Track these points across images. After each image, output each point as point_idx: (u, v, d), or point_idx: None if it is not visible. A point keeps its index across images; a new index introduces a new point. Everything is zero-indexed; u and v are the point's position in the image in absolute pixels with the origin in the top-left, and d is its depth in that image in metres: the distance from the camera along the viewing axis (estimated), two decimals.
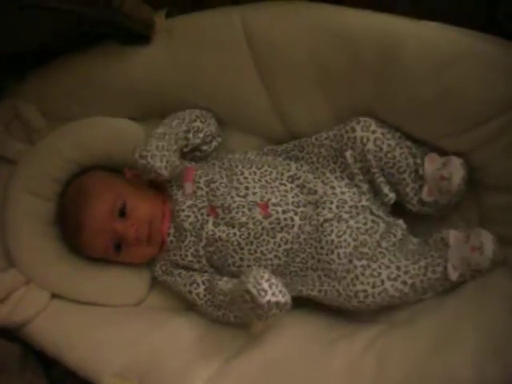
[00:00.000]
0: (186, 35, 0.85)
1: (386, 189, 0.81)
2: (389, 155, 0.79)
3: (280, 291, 0.71)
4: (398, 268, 0.76)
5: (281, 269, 0.83)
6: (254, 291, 0.70)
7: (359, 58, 0.76)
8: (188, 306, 0.88)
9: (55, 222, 0.93)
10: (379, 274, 0.75)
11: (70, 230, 0.88)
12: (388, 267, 0.76)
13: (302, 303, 0.84)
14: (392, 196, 0.82)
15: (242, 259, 0.82)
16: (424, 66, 0.73)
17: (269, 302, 0.70)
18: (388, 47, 0.74)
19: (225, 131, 0.94)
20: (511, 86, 0.70)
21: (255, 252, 0.81)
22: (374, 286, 0.75)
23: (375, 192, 0.83)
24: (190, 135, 0.88)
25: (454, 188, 0.77)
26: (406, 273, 0.76)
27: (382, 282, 0.75)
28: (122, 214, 0.85)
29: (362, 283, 0.75)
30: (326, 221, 0.80)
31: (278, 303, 0.70)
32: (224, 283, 0.81)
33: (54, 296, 0.90)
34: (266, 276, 0.72)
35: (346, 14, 0.76)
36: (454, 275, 0.75)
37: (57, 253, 0.92)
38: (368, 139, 0.79)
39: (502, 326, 0.67)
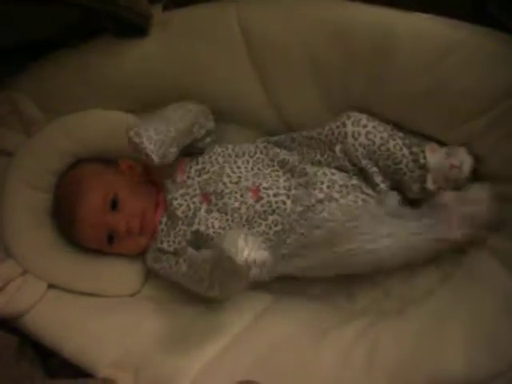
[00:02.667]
0: (182, 28, 0.85)
1: (378, 179, 0.81)
2: (382, 148, 0.79)
3: (257, 248, 0.68)
4: (397, 224, 0.75)
5: (272, 250, 0.81)
6: (231, 252, 0.67)
7: (352, 50, 0.77)
8: (182, 297, 0.89)
9: (52, 214, 0.94)
10: (375, 230, 0.75)
11: (64, 221, 0.89)
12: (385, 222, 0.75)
13: (294, 293, 0.86)
14: (383, 186, 0.81)
15: None
16: (417, 59, 0.73)
17: (246, 260, 0.67)
18: (381, 39, 0.74)
19: (220, 123, 0.93)
20: (504, 77, 0.70)
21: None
22: (370, 242, 0.74)
23: (365, 180, 0.82)
24: (195, 129, 0.86)
25: (465, 175, 0.77)
26: (404, 229, 0.75)
27: (380, 235, 0.75)
28: (114, 206, 0.85)
29: (357, 240, 0.75)
30: (317, 201, 0.80)
31: (255, 261, 0.68)
32: (203, 253, 0.77)
33: (51, 286, 0.91)
34: (242, 235, 0.69)
35: (340, 6, 0.77)
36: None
37: (53, 244, 0.93)
38: (359, 133, 0.80)
39: (492, 317, 0.68)
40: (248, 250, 0.67)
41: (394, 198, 0.81)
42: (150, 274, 0.94)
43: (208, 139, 0.91)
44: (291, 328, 0.80)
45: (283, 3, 0.80)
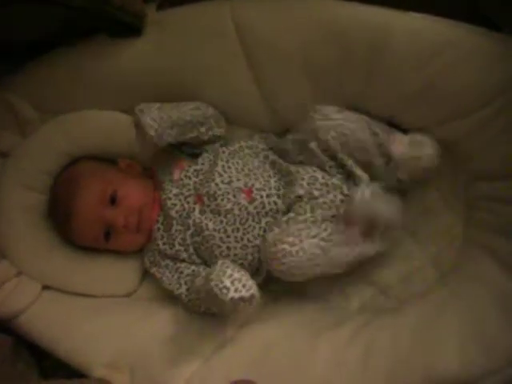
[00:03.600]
0: (176, 28, 0.85)
1: (358, 170, 0.80)
2: (352, 138, 0.79)
3: (243, 285, 0.70)
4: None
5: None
6: (216, 290, 0.69)
7: (348, 50, 0.77)
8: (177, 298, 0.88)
9: (47, 215, 0.93)
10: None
11: (61, 217, 0.88)
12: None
13: (289, 293, 0.86)
14: (364, 177, 0.80)
15: (228, 248, 0.82)
16: (412, 57, 0.73)
17: (232, 298, 0.69)
18: (376, 39, 0.74)
19: None
20: (498, 75, 0.71)
21: (241, 239, 0.82)
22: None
23: (348, 175, 0.82)
24: (203, 129, 0.87)
25: (430, 166, 0.78)
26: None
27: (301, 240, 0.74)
28: (113, 201, 0.85)
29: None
30: (296, 197, 0.79)
31: (242, 298, 0.69)
32: (199, 280, 0.79)
33: (45, 287, 0.90)
34: (229, 272, 0.70)
35: (336, 6, 0.76)
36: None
37: (48, 244, 0.92)
38: (328, 127, 0.80)
39: (488, 316, 0.68)
40: (233, 288, 0.69)
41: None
42: (146, 274, 0.94)
43: (216, 145, 0.90)
44: (287, 328, 0.80)
45: (278, 2, 0.80)
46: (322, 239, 0.74)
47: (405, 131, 0.82)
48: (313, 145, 0.81)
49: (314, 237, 0.74)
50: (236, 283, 0.70)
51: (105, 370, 0.81)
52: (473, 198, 0.81)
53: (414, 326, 0.72)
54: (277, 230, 0.76)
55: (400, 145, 0.80)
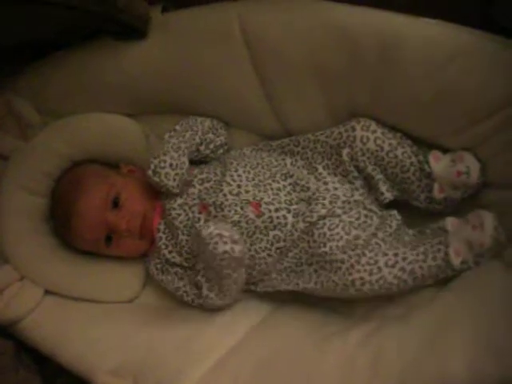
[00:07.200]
0: (182, 31, 0.84)
1: (383, 188, 0.81)
2: (390, 154, 0.79)
3: (225, 229, 0.74)
4: (396, 255, 0.74)
5: (274, 265, 0.82)
6: (198, 226, 0.77)
7: (358, 56, 0.75)
8: (181, 304, 0.87)
9: (49, 218, 0.93)
10: (376, 261, 0.73)
11: (62, 218, 0.88)
12: (385, 254, 0.74)
13: (295, 300, 0.85)
14: (388, 196, 0.81)
15: None
16: (423, 64, 0.72)
17: (210, 233, 0.73)
18: (387, 45, 0.73)
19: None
20: (509, 83, 0.70)
21: (249, 250, 0.81)
22: (371, 274, 0.73)
23: (370, 188, 0.82)
24: (202, 147, 0.89)
25: (474, 181, 0.76)
26: (404, 259, 0.73)
27: (380, 269, 0.73)
28: (115, 204, 0.85)
29: (359, 271, 0.73)
30: (320, 218, 0.79)
31: (221, 235, 0.73)
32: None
33: (48, 292, 0.90)
34: (217, 220, 0.76)
35: (345, 11, 0.75)
36: (456, 260, 0.73)
37: (51, 249, 0.92)
38: (368, 139, 0.79)
39: (498, 322, 0.66)
40: (214, 226, 0.74)
41: (394, 219, 0.81)
42: (148, 280, 0.93)
43: (220, 151, 0.91)
44: (293, 334, 0.79)
45: (286, 6, 0.79)
46: (402, 269, 0.73)
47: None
48: (345, 152, 0.80)
49: (392, 266, 0.73)
50: (219, 225, 0.75)
51: (108, 376, 0.80)
52: (482, 204, 0.79)
53: (422, 334, 0.70)
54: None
55: (441, 161, 0.79)
